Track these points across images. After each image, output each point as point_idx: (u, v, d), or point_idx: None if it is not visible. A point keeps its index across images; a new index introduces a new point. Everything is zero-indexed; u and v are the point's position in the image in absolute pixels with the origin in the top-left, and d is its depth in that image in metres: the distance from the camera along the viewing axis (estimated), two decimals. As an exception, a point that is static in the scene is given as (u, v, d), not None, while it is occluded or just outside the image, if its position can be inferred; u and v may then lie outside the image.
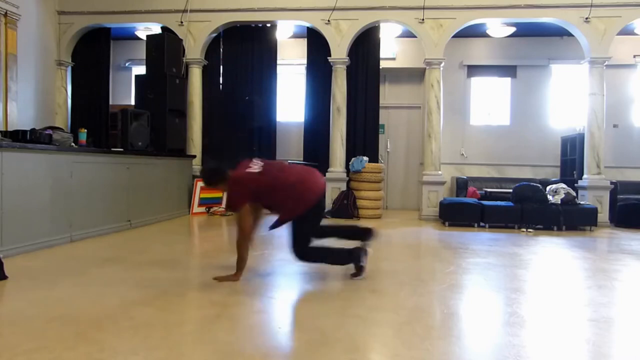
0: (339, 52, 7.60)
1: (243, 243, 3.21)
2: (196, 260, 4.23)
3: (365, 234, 3.54)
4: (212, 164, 3.29)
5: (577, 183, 7.40)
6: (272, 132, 8.19)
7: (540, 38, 8.74)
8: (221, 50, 8.22)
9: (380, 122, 8.34)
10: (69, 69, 8.26)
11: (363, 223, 3.82)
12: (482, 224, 6.66)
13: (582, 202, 6.78)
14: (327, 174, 7.69)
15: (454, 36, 7.53)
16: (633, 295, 3.33)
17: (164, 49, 7.11)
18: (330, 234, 3.63)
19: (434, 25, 7.41)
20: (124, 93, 9.50)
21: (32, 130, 4.38)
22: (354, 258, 3.37)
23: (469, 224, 6.69)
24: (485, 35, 8.54)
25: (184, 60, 7.75)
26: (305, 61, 8.22)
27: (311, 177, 3.33)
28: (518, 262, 4.29)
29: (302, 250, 3.29)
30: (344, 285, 3.44)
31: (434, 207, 7.29)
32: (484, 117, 9.23)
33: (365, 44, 7.89)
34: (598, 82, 7.21)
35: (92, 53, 8.28)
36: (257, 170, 3.24)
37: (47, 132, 4.55)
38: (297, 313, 2.78)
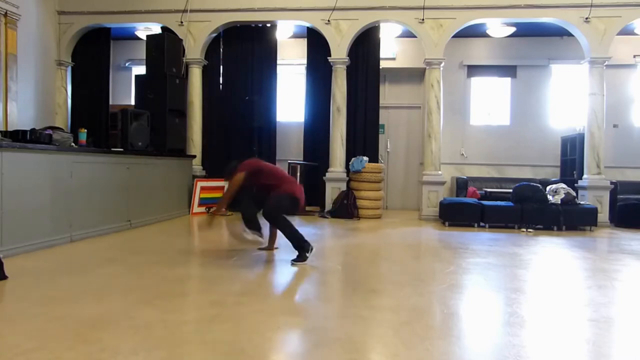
0: (339, 52, 7.60)
1: (230, 193, 4.06)
2: (196, 260, 4.23)
3: (302, 246, 3.96)
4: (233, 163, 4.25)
5: (577, 183, 7.40)
6: (272, 132, 8.18)
7: (540, 38, 8.74)
8: (221, 50, 8.22)
9: (380, 122, 8.34)
10: (69, 69, 8.26)
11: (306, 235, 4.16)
12: (482, 224, 6.66)
13: (582, 202, 6.78)
14: (327, 174, 7.70)
15: (454, 36, 7.53)
16: (633, 295, 3.33)
17: (164, 49, 7.10)
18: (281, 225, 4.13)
19: (434, 25, 7.41)
20: (124, 93, 9.50)
21: (32, 130, 4.38)
22: (304, 246, 3.92)
23: (469, 224, 6.69)
24: (485, 35, 8.54)
25: (184, 60, 7.75)
26: (305, 61, 8.22)
27: (295, 183, 4.34)
28: (518, 262, 4.29)
29: (276, 215, 3.99)
30: (344, 285, 3.45)
31: (434, 207, 7.29)
32: (484, 117, 9.23)
33: (365, 44, 7.89)
34: (598, 82, 7.21)
35: (92, 53, 8.28)
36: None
37: (47, 132, 4.55)
38: (298, 313, 2.78)
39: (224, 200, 4.24)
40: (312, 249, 3.97)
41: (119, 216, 5.53)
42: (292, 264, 3.85)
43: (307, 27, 7.91)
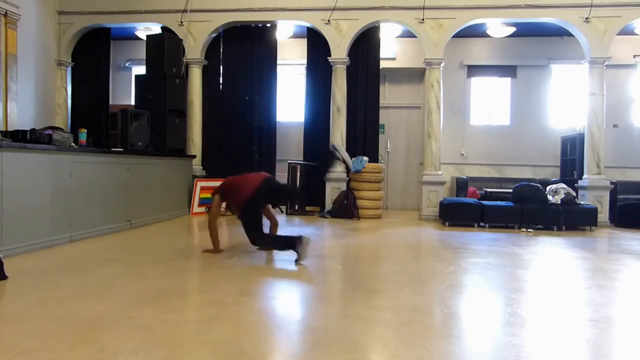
0: (339, 52, 7.60)
1: (211, 224, 4.28)
2: (196, 260, 4.23)
3: (294, 244, 3.89)
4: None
5: (577, 183, 7.40)
6: (272, 132, 8.18)
7: (540, 38, 8.74)
8: (221, 50, 8.22)
9: (380, 122, 8.34)
10: (69, 69, 8.26)
11: (296, 231, 4.20)
12: (482, 224, 6.66)
13: (582, 202, 6.78)
14: (327, 174, 7.69)
15: (454, 36, 7.53)
16: (633, 295, 3.33)
17: (164, 49, 7.11)
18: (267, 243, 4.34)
19: (434, 25, 7.41)
20: (124, 93, 9.50)
21: (32, 130, 4.38)
22: (295, 243, 3.86)
23: (469, 224, 6.69)
24: (485, 35, 8.54)
25: (184, 60, 7.75)
26: (305, 61, 8.22)
27: (246, 183, 4.23)
28: (518, 262, 4.29)
29: (253, 240, 4.18)
30: (344, 285, 3.45)
31: (434, 207, 7.29)
32: (484, 117, 9.23)
33: (365, 44, 7.89)
34: (598, 82, 7.21)
35: (92, 53, 8.28)
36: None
37: (47, 132, 4.55)
38: (297, 313, 2.78)
39: (212, 234, 4.25)
40: (302, 241, 3.83)
41: (119, 216, 5.53)
42: (296, 264, 3.86)
43: (307, 27, 7.91)
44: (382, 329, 2.46)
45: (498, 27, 8.03)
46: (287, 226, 6.41)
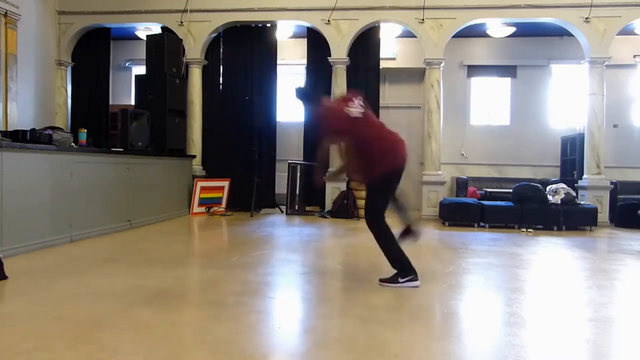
0: (339, 52, 7.60)
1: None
2: (196, 260, 4.23)
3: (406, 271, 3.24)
4: (307, 86, 3.39)
5: (577, 183, 7.40)
6: (272, 132, 8.18)
7: (540, 38, 8.74)
8: (221, 50, 8.21)
9: (380, 122, 8.32)
10: (69, 69, 8.26)
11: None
12: (482, 224, 6.66)
13: (582, 202, 6.78)
14: (327, 173, 7.68)
15: (454, 36, 7.53)
16: (633, 295, 3.33)
17: (164, 49, 7.10)
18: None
19: (434, 25, 7.41)
20: (124, 93, 9.50)
21: (32, 130, 4.39)
22: (403, 269, 3.22)
23: (469, 224, 6.69)
24: (485, 35, 8.54)
25: (184, 60, 7.74)
26: (305, 61, 8.22)
27: (397, 147, 3.35)
28: (518, 262, 4.29)
29: (375, 222, 3.31)
30: (343, 285, 3.44)
31: (434, 207, 7.29)
32: (484, 117, 9.23)
33: (365, 44, 7.89)
34: (598, 82, 7.21)
35: (92, 53, 8.28)
36: (354, 115, 3.36)
37: (47, 132, 4.55)
38: (297, 313, 2.78)
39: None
40: (413, 275, 3.18)
41: (119, 216, 5.53)
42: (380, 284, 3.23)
43: (307, 27, 7.91)
44: (382, 329, 2.46)
45: (498, 27, 8.03)
46: (286, 226, 6.41)
